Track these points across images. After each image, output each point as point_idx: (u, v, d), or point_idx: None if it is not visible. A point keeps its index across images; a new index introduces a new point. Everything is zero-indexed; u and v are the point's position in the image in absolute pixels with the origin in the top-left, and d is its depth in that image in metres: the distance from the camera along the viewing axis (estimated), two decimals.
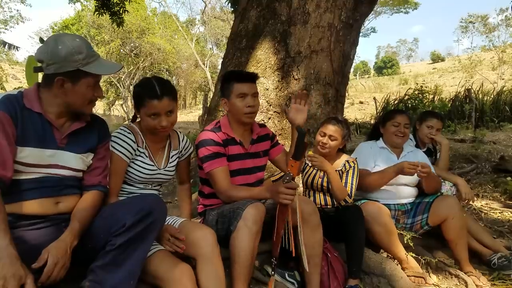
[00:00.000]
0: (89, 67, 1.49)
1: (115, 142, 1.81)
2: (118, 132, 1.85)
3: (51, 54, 1.46)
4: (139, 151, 1.88)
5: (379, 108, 11.10)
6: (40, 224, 1.50)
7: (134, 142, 1.85)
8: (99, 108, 24.90)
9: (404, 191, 2.65)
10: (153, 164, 1.92)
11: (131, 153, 1.85)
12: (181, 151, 2.09)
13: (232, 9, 6.88)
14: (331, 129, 2.46)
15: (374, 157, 2.72)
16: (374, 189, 2.62)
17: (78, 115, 1.61)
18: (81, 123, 1.62)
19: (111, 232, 1.41)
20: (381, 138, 2.84)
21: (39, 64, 1.51)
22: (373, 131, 3.03)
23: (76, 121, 1.61)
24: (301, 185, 2.74)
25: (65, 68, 1.46)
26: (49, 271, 1.32)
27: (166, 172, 1.99)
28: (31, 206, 1.48)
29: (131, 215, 1.41)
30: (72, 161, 1.58)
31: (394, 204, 2.63)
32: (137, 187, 1.93)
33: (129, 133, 1.85)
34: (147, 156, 1.90)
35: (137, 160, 1.88)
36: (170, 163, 2.01)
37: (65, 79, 1.48)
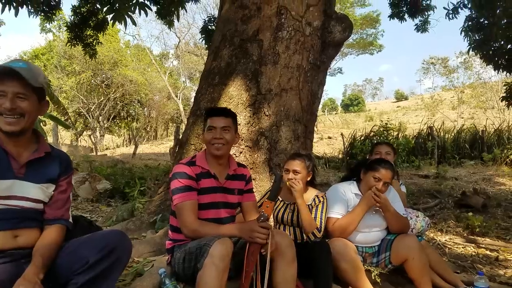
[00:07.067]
0: None
1: None
2: None
3: None
4: None
5: (346, 143, 11.47)
6: None
7: None
8: (66, 138, 24.14)
9: (373, 236, 2.60)
10: None
11: None
12: None
13: (206, 45, 7.03)
14: (292, 164, 2.55)
15: (348, 203, 2.58)
16: (348, 234, 2.49)
17: (37, 146, 1.59)
18: (40, 153, 1.59)
19: (73, 270, 1.36)
20: (355, 183, 2.68)
21: None
22: (351, 172, 2.89)
23: (35, 151, 1.58)
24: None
25: None
26: None
27: None
28: None
29: (94, 252, 1.37)
30: (31, 191, 1.53)
31: (362, 247, 2.61)
32: None
33: None
34: None
35: None
36: None
37: None
